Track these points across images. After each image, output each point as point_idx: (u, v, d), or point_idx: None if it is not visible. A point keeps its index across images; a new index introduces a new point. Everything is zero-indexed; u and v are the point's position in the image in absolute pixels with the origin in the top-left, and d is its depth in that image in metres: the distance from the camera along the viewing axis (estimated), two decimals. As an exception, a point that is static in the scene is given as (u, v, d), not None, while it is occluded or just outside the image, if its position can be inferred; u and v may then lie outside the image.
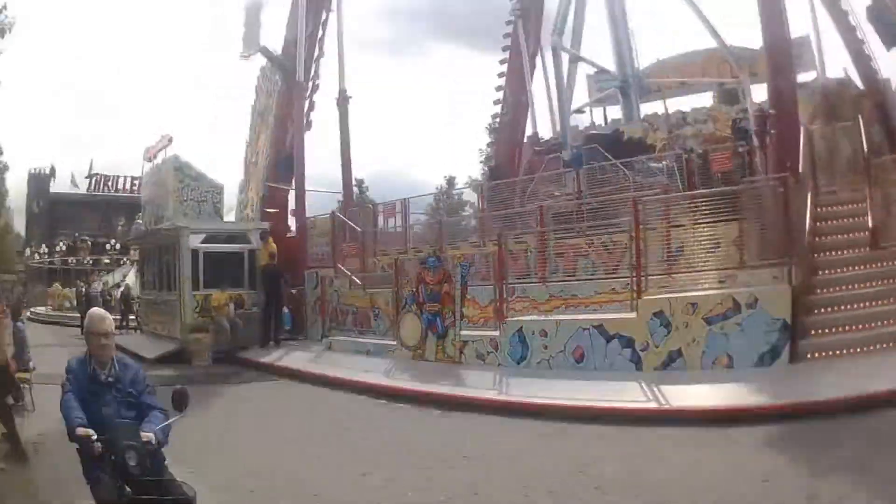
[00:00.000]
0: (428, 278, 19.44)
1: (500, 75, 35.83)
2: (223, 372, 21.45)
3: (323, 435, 12.87)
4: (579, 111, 37.52)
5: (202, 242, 25.80)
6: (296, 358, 21.86)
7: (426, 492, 9.07)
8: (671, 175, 24.85)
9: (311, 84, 31.87)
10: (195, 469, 8.91)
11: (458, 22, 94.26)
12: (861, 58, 27.36)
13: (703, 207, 17.15)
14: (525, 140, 35.18)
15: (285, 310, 25.68)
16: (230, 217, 32.63)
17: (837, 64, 30.87)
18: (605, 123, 38.29)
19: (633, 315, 15.83)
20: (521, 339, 17.21)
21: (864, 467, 8.37)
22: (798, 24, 26.33)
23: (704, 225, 16.92)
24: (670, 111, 35.86)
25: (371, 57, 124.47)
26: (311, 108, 32.06)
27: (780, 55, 20.06)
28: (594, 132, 33.94)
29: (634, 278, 16.27)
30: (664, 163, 26.63)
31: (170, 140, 31.79)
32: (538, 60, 36.78)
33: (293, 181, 30.75)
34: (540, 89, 36.79)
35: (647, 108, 38.09)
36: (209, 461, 10.28)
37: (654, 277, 16.45)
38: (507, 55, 35.51)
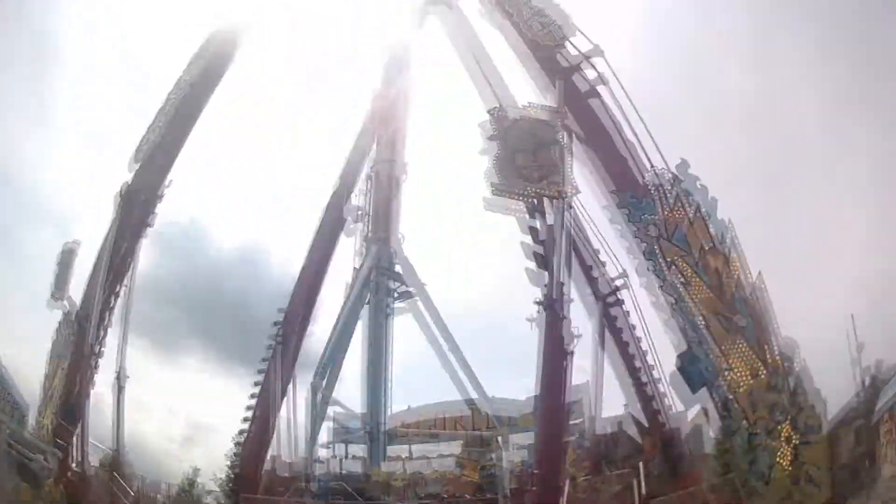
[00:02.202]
0: None
1: (253, 395, 35.47)
2: None
3: None
4: (324, 446, 38.27)
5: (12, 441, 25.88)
6: None
7: None
8: None
9: (98, 349, 32.21)
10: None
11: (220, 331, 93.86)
12: (652, 396, 28.81)
13: None
14: (268, 458, 35.20)
15: None
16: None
17: (617, 402, 32.08)
18: (346, 459, 39.26)
19: None
20: None
21: None
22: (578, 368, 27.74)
23: None
24: (416, 455, 36.74)
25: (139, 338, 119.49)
26: (97, 369, 32.44)
27: (556, 414, 22.69)
28: (343, 472, 34.78)
29: None
30: None
31: None
32: (289, 387, 37.33)
33: (77, 426, 30.67)
34: (287, 413, 36.50)
35: (392, 451, 38.45)
36: None
37: None
38: (261, 377, 36.02)
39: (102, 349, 32.74)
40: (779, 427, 18.76)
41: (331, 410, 38.17)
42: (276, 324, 36.21)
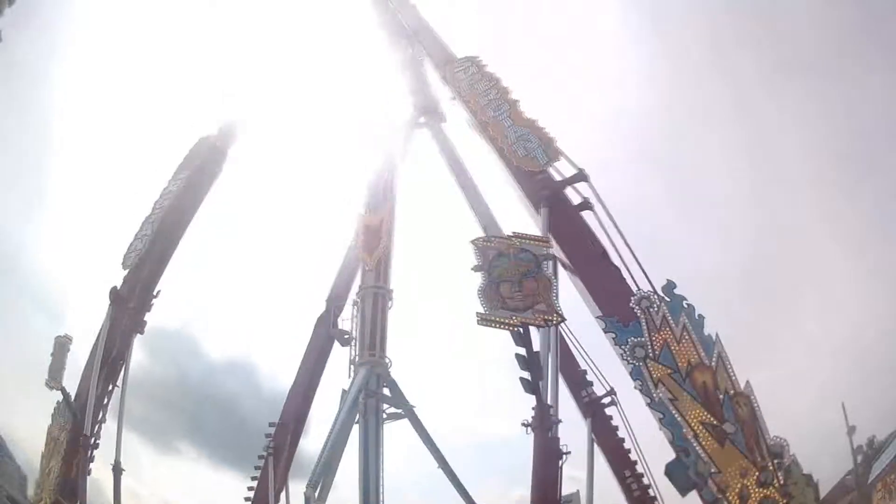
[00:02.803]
0: None
1: (247, 500, 35.54)
2: None
3: None
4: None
5: None
6: None
7: None
8: None
9: (93, 441, 32.50)
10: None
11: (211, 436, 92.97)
12: (644, 501, 30.28)
13: None
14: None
15: None
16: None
17: None
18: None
19: None
20: None
21: None
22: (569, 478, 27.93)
23: None
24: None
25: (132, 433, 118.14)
26: (92, 459, 32.55)
27: None
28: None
29: None
30: None
31: None
32: (282, 496, 37.14)
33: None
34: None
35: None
36: None
37: None
38: (254, 484, 35.55)
39: (98, 441, 33.07)
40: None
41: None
42: (267, 436, 36.66)
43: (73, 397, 33.18)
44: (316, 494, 34.73)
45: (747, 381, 21.62)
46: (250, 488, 35.87)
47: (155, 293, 35.93)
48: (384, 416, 39.98)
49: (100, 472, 33.64)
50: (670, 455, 21.20)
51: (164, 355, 75.88)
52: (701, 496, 20.28)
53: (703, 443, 20.43)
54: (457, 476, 35.57)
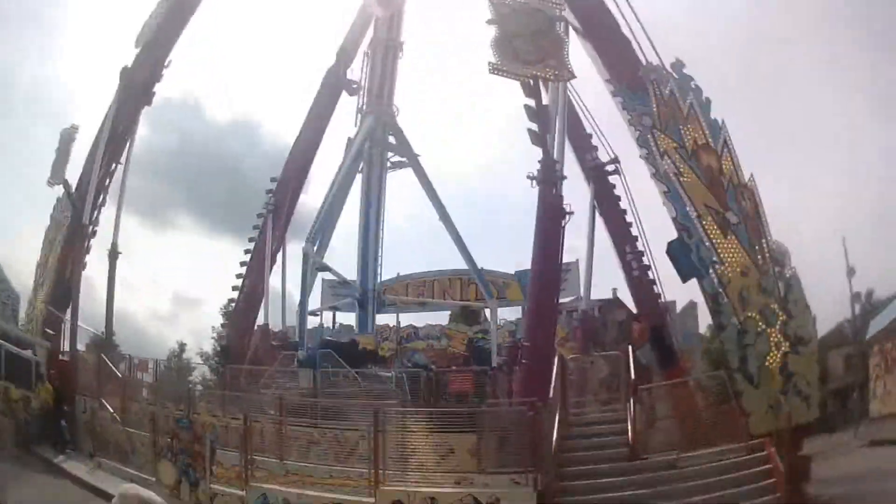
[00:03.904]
0: (181, 435, 20.27)
1: (243, 263, 35.97)
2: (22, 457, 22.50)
3: None
4: (312, 313, 38.49)
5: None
6: (75, 467, 22.69)
7: None
8: (400, 386, 26.61)
9: (91, 229, 32.09)
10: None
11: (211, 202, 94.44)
12: (643, 282, 29.48)
13: (444, 420, 18.84)
14: (256, 328, 35.15)
15: (63, 423, 25.25)
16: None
17: (605, 285, 33.14)
18: (334, 327, 39.70)
19: (371, 500, 16.67)
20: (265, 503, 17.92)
21: None
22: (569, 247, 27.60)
23: (441, 435, 18.19)
24: (403, 324, 38.20)
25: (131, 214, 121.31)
26: (88, 250, 32.29)
27: (547, 286, 22.02)
28: (330, 338, 34.90)
29: (372, 470, 17.25)
30: (393, 373, 28.54)
31: None
32: (279, 255, 37.12)
33: (67, 312, 30.60)
34: (276, 282, 37.39)
35: (380, 319, 39.86)
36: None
37: (392, 472, 17.49)
38: (252, 245, 35.93)
39: (96, 228, 32.71)
40: (768, 331, 18.48)
41: (321, 277, 38.50)
42: (268, 192, 36.18)
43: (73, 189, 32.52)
44: (314, 250, 34.35)
45: (751, 175, 20.46)
46: (247, 251, 35.97)
47: (166, 63, 34.21)
48: (388, 164, 39.47)
49: (93, 267, 33.66)
50: (672, 239, 20.57)
51: (168, 126, 75.41)
52: (702, 286, 19.65)
53: (706, 227, 19.47)
54: (457, 231, 34.88)
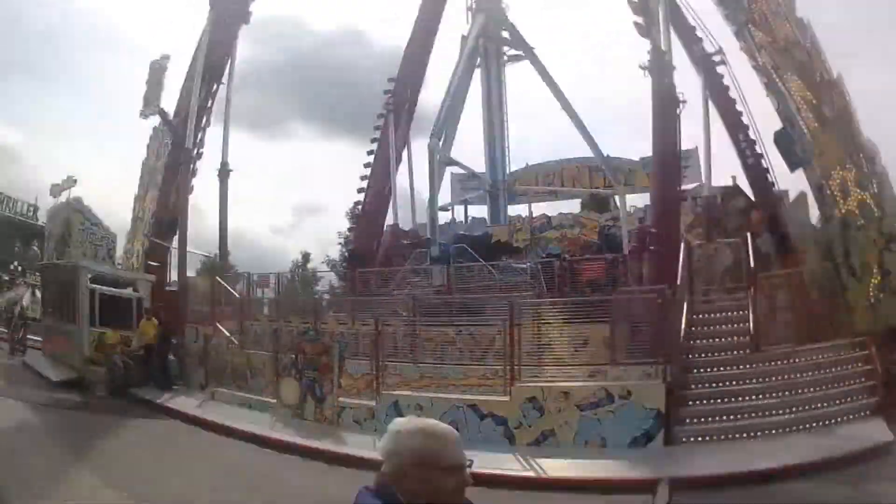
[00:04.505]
0: (307, 349, 20.28)
1: (367, 165, 36.50)
2: (119, 404, 21.56)
3: (232, 484, 13.05)
4: (443, 209, 38.95)
5: (96, 283, 26.56)
6: (183, 402, 22.07)
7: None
8: (535, 277, 26.42)
9: (196, 152, 32.58)
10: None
11: (326, 107, 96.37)
12: (757, 170, 29.35)
13: (578, 311, 18.77)
14: (385, 229, 36.06)
15: (171, 357, 25.85)
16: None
17: (725, 173, 32.81)
18: (466, 221, 40.26)
19: (506, 398, 16.74)
20: (398, 411, 17.71)
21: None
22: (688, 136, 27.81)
23: (575, 325, 18.26)
24: (535, 214, 38.04)
25: (240, 132, 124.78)
26: (194, 174, 32.67)
27: (669, 173, 22.04)
28: (464, 233, 35.68)
29: (508, 367, 17.24)
30: (528, 264, 28.21)
31: (74, 181, 34.44)
32: (404, 154, 37.96)
33: (174, 240, 31.37)
34: (402, 181, 38.05)
35: (511, 210, 40.54)
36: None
37: (527, 367, 17.45)
38: (374, 147, 36.40)
39: (201, 151, 33.26)
40: (866, 226, 18.14)
41: (449, 172, 38.96)
42: (386, 92, 36.45)
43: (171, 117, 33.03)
44: (440, 145, 34.63)
45: (839, 73, 19.78)
46: (370, 152, 36.35)
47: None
48: (505, 58, 39.30)
49: (201, 191, 34.95)
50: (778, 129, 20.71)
51: (271, 42, 75.80)
52: (807, 176, 19.61)
53: (805, 119, 19.16)
54: (581, 119, 34.78)
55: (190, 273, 32.12)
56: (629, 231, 31.37)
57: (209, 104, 33.78)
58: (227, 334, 25.48)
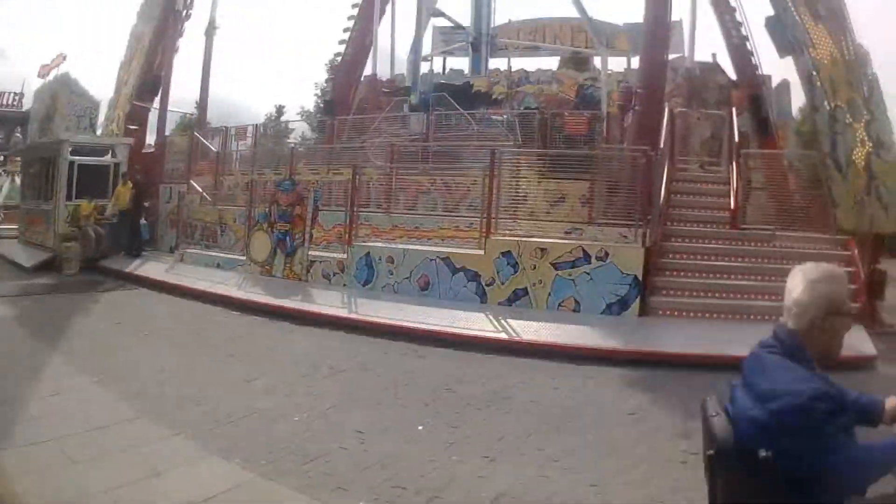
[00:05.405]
0: (281, 200, 20.12)
1: (350, 18, 35.52)
2: (90, 280, 21.07)
3: (200, 345, 12.99)
4: (424, 59, 38.34)
5: (75, 154, 26.01)
6: (153, 268, 21.88)
7: (313, 397, 9.48)
8: (511, 129, 25.98)
9: (185, 13, 31.83)
10: (100, 378, 9.65)
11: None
12: (742, 52, 28.39)
13: (557, 165, 18.60)
14: (362, 79, 35.33)
15: (143, 221, 25.77)
16: (99, 132, 32.76)
17: (707, 49, 32.69)
18: (445, 72, 39.69)
19: (480, 252, 16.64)
20: (368, 264, 18.00)
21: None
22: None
23: (553, 181, 18.19)
24: (514, 69, 37.54)
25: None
26: (181, 34, 32.07)
27: (658, 36, 21.00)
28: (444, 82, 35.16)
29: (484, 219, 17.13)
30: (505, 116, 28.21)
31: (63, 58, 34.50)
32: (388, 8, 36.52)
33: (155, 101, 31.06)
34: (384, 38, 37.20)
35: (491, 65, 39.83)
36: (108, 368, 10.48)
37: (502, 220, 17.36)
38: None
39: (191, 11, 32.29)
40: (854, 125, 17.60)
41: (432, 24, 38.14)
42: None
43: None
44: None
45: None
46: (354, 5, 35.67)
47: None
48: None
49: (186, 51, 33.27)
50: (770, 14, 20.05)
51: None
52: (797, 64, 18.89)
53: (800, 11, 18.55)
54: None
55: (169, 133, 31.40)
56: (610, 91, 30.70)
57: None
58: (200, 190, 25.35)
